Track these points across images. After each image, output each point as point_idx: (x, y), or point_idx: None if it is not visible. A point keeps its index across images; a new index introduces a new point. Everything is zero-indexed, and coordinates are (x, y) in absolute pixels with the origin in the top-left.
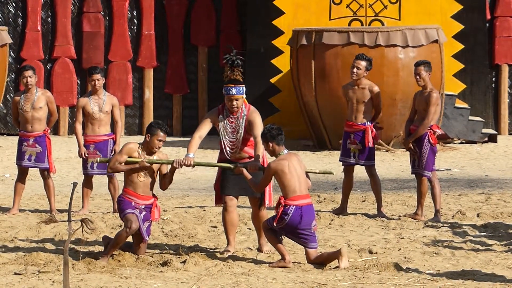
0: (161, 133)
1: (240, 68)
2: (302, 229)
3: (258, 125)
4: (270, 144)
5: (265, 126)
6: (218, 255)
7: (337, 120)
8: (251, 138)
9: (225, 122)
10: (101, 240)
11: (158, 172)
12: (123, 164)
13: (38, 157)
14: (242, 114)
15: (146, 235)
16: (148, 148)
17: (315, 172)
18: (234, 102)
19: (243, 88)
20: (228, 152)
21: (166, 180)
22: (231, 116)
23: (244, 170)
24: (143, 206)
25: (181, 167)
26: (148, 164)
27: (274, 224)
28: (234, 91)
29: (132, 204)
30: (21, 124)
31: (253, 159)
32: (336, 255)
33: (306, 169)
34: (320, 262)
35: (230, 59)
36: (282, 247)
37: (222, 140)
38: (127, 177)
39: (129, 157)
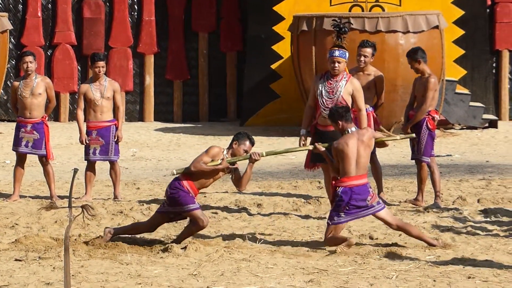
0: (248, 143)
1: (345, 35)
2: (353, 204)
3: (358, 98)
4: (340, 123)
5: (332, 107)
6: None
7: None
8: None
9: (324, 83)
10: (100, 226)
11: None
12: (207, 164)
13: (35, 144)
14: (342, 79)
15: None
16: (232, 155)
17: (396, 139)
18: (336, 64)
19: (345, 53)
20: (323, 112)
21: (245, 179)
22: (331, 79)
23: (322, 148)
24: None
25: (260, 158)
26: (228, 165)
27: (337, 212)
28: (337, 53)
29: (191, 195)
30: (20, 110)
31: None
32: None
33: (382, 138)
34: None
35: (337, 26)
36: (340, 237)
37: (319, 101)
38: (197, 174)
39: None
